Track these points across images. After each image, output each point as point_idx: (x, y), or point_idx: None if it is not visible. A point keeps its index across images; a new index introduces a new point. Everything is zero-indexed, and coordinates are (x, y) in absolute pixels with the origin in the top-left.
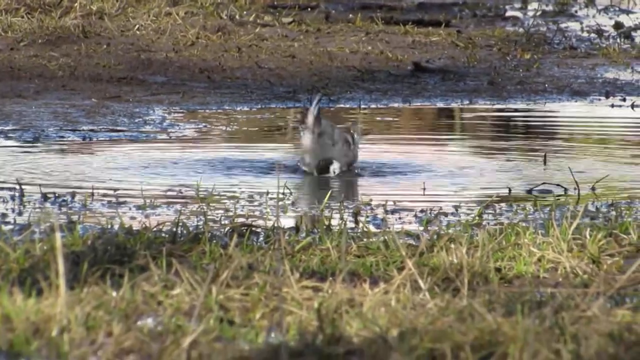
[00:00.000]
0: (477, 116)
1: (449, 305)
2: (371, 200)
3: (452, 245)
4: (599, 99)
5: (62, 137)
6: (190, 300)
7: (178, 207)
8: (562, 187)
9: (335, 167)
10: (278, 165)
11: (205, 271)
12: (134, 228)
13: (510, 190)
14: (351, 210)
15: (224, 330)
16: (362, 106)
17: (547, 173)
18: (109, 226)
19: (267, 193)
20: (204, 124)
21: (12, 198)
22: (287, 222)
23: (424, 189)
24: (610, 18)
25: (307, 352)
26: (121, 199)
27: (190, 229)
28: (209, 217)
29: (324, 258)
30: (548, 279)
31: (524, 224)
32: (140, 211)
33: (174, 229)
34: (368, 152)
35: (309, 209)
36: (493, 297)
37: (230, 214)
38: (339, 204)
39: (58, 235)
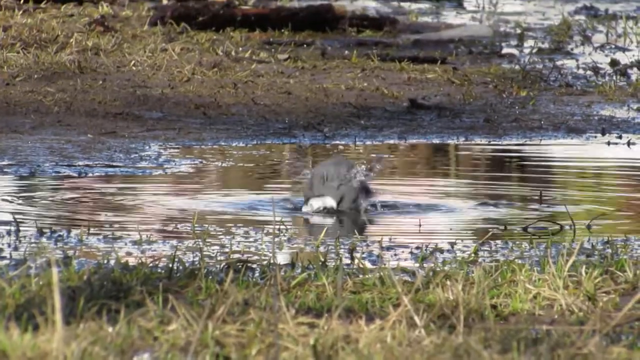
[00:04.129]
0: (473, 153)
1: (445, 342)
2: (367, 236)
3: (448, 282)
4: (595, 137)
5: (58, 172)
6: (186, 335)
7: (174, 242)
8: (558, 224)
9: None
10: (274, 201)
11: (201, 307)
12: (130, 263)
13: (506, 227)
14: (347, 247)
15: None
16: (357, 143)
17: (543, 210)
18: (105, 261)
19: (263, 229)
20: (199, 160)
21: (8, 233)
22: (283, 258)
23: (420, 225)
24: (606, 55)
25: None
26: (117, 234)
27: (187, 264)
28: (205, 253)
29: (320, 294)
30: (544, 316)
31: (519, 261)
32: (136, 246)
33: (170, 265)
34: None
35: (304, 245)
36: (489, 334)
37: (226, 249)
38: (334, 240)
39: (54, 270)
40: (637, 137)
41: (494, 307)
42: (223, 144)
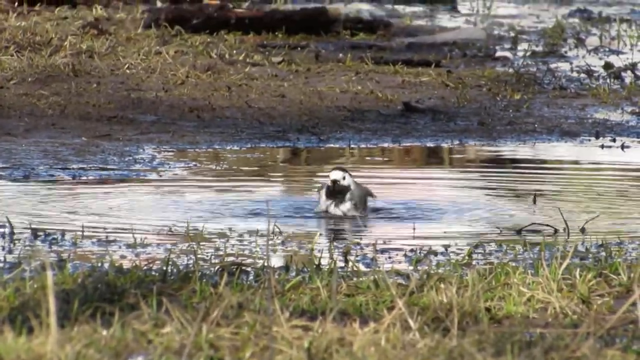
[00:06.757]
0: (467, 156)
1: (439, 345)
2: (361, 239)
3: (442, 285)
4: (589, 140)
5: (52, 175)
6: (180, 339)
7: (168, 245)
8: (551, 227)
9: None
10: (268, 204)
11: (195, 310)
12: (125, 266)
13: (500, 230)
14: (341, 250)
15: None
16: (352, 146)
17: (537, 213)
18: (100, 264)
19: (257, 232)
20: (193, 163)
21: (2, 236)
22: (277, 261)
23: (414, 228)
24: (600, 58)
25: None
26: (111, 238)
27: (181, 267)
28: (199, 256)
29: (314, 297)
30: (538, 319)
31: (513, 264)
32: (130, 249)
33: (165, 268)
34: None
35: (299, 248)
36: (483, 337)
37: (221, 252)
38: (328, 243)
39: (49, 273)
40: (631, 140)
41: (488, 310)
42: (217, 147)
